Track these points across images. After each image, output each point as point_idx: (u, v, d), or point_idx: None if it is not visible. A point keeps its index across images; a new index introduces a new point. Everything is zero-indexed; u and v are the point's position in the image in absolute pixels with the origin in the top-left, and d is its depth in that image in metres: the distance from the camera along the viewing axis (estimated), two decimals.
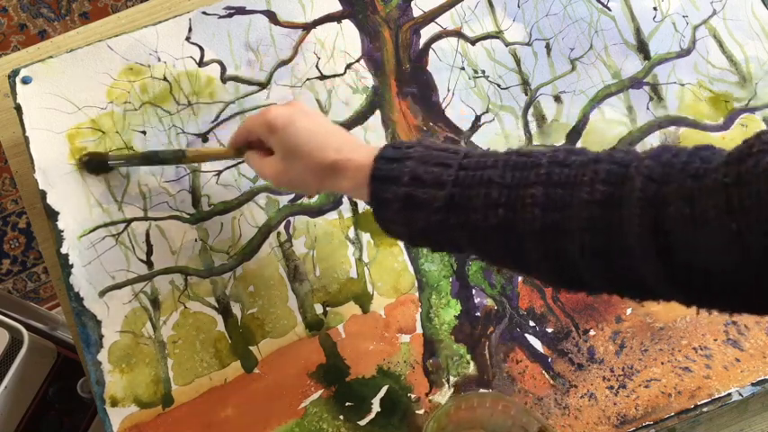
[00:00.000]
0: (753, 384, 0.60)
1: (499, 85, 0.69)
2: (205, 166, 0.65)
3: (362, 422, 0.59)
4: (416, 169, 0.45)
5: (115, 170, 0.65)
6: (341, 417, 0.59)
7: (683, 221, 0.35)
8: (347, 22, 0.71)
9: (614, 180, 0.38)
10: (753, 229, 0.32)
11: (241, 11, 0.70)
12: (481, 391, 0.60)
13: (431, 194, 0.44)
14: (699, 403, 0.59)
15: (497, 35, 0.71)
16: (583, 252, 0.39)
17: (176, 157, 0.63)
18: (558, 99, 0.69)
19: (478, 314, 0.63)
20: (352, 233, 0.65)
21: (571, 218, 0.39)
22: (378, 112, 0.68)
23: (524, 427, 0.55)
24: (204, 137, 0.66)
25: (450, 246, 0.47)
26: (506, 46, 0.71)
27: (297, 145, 0.50)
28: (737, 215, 0.32)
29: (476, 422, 0.57)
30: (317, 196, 0.65)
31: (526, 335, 0.62)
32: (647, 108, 0.69)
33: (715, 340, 0.61)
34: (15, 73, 0.67)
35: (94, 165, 0.64)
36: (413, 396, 0.60)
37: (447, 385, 0.61)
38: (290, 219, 0.65)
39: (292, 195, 0.65)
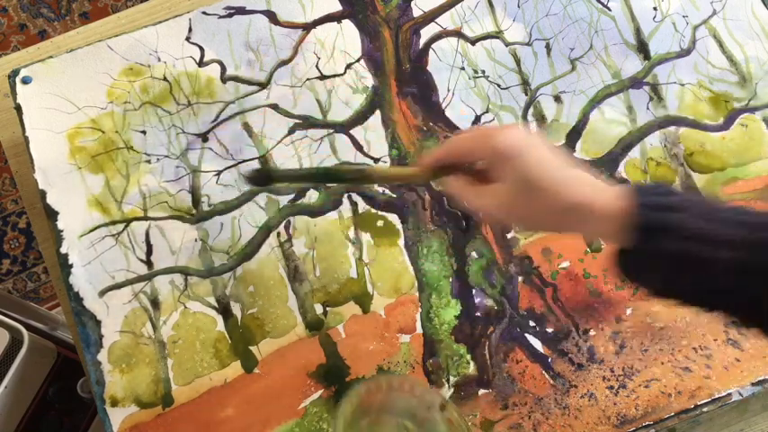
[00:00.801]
0: (753, 384, 0.60)
1: (499, 85, 0.69)
2: (205, 166, 0.65)
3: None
4: (695, 223, 0.40)
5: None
6: None
7: None
8: (347, 22, 0.71)
9: None
10: None
11: (241, 11, 0.70)
12: (386, 374, 0.60)
13: (715, 255, 0.39)
14: (699, 403, 0.59)
15: (497, 35, 0.71)
16: None
17: (359, 177, 0.55)
18: (558, 99, 0.69)
19: (478, 314, 0.63)
20: (352, 233, 0.65)
21: None
22: (378, 112, 0.68)
23: (427, 404, 0.55)
24: (204, 137, 0.66)
25: (720, 309, 0.42)
26: (506, 46, 0.71)
27: (538, 179, 0.44)
28: None
29: (384, 407, 0.57)
30: (317, 196, 0.65)
31: (526, 335, 0.62)
32: (647, 108, 0.69)
33: (715, 340, 0.61)
34: (15, 73, 0.67)
35: (258, 180, 0.55)
36: None
37: (447, 385, 0.61)
38: (290, 219, 0.65)
39: (292, 195, 0.65)
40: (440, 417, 0.55)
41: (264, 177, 0.54)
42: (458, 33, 0.71)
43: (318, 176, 0.58)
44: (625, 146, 0.68)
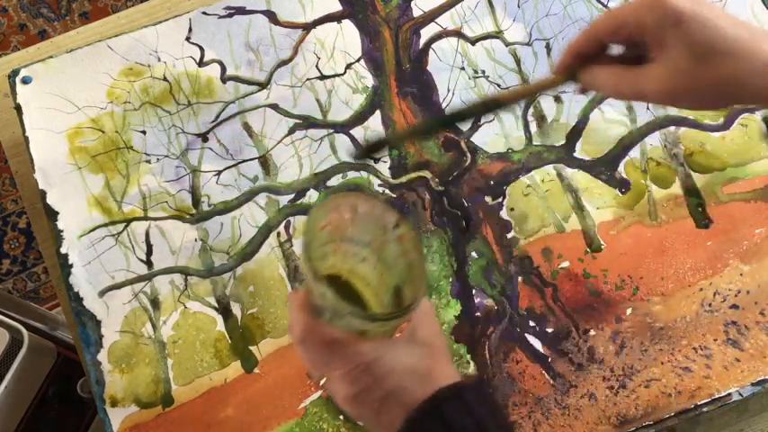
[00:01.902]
0: (753, 384, 0.60)
1: (499, 85, 0.69)
2: (205, 166, 0.65)
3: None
4: None
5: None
6: (341, 417, 0.59)
7: None
8: (347, 22, 0.71)
9: None
10: None
11: (241, 11, 0.70)
12: (345, 193, 0.57)
13: None
14: (699, 403, 0.59)
15: (497, 35, 0.71)
16: None
17: (488, 106, 0.48)
18: (558, 99, 0.69)
19: (478, 314, 0.63)
20: None
21: None
22: (378, 112, 0.68)
23: (384, 226, 0.52)
24: (204, 137, 0.66)
25: None
26: (506, 46, 0.71)
27: (718, 40, 0.38)
28: None
29: (347, 232, 0.53)
30: (317, 196, 0.65)
31: (526, 335, 0.62)
32: (647, 108, 0.69)
33: (715, 340, 0.61)
34: (15, 73, 0.67)
35: (373, 150, 0.56)
36: None
37: None
38: (290, 219, 0.65)
39: (292, 195, 0.65)
40: (392, 236, 0.52)
41: (381, 146, 0.55)
42: (458, 33, 0.71)
43: (437, 125, 0.58)
44: (625, 146, 0.68)
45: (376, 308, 0.54)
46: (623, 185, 0.67)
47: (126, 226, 0.64)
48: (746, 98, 0.41)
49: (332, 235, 0.55)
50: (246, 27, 0.70)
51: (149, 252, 0.63)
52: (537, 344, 0.62)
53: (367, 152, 0.56)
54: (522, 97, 0.55)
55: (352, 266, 0.56)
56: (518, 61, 0.70)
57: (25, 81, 0.67)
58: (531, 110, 0.69)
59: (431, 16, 0.71)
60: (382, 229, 0.54)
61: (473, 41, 0.71)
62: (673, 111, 0.69)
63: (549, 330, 0.62)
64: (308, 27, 0.70)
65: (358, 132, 0.67)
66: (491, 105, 0.48)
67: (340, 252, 0.56)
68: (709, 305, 0.62)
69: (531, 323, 0.62)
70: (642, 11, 0.40)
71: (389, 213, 0.53)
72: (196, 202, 0.65)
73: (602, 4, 0.72)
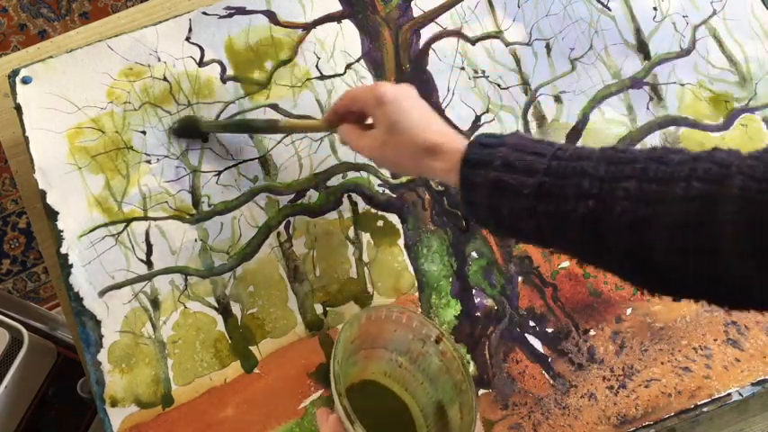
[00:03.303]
0: (753, 384, 0.60)
1: (499, 85, 0.69)
2: (205, 166, 0.65)
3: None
4: (509, 155, 0.45)
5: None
6: None
7: None
8: (347, 22, 0.71)
9: (713, 178, 0.37)
10: None
11: (241, 11, 0.70)
12: (388, 304, 0.61)
13: (520, 181, 0.44)
14: (699, 403, 0.59)
15: (497, 35, 0.71)
16: (671, 249, 0.38)
17: (270, 126, 0.63)
18: (558, 99, 0.69)
19: (478, 314, 0.63)
20: (352, 233, 0.65)
21: (662, 214, 0.38)
22: None
23: (423, 338, 0.56)
24: (204, 137, 0.66)
25: (534, 235, 0.46)
26: (506, 46, 0.71)
27: (401, 121, 0.51)
28: None
29: (380, 340, 0.57)
30: (317, 196, 0.65)
31: (526, 335, 0.62)
32: (647, 108, 0.69)
33: (715, 340, 0.61)
34: (15, 73, 0.67)
35: (184, 130, 0.66)
36: None
37: None
38: (290, 219, 0.65)
39: (292, 195, 0.65)
40: (434, 350, 0.55)
41: (191, 128, 0.65)
42: (458, 33, 0.71)
43: (233, 126, 0.66)
44: (625, 144, 0.68)
45: (414, 412, 0.57)
46: None
47: (126, 226, 0.64)
48: (423, 173, 0.54)
49: (363, 344, 0.56)
50: (246, 27, 0.70)
51: (149, 252, 0.63)
52: (537, 344, 0.62)
53: (176, 132, 0.65)
54: (294, 131, 0.65)
55: (388, 370, 0.57)
56: (518, 61, 0.70)
57: (25, 81, 0.67)
58: (531, 109, 0.69)
59: (431, 16, 0.71)
60: (421, 341, 0.55)
61: (473, 41, 0.71)
62: (673, 111, 0.69)
63: (549, 330, 0.62)
64: (307, 27, 0.70)
65: None
66: (268, 128, 0.63)
67: (374, 358, 0.57)
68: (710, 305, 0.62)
69: (531, 323, 0.62)
70: (365, 93, 0.54)
71: (429, 327, 0.55)
72: (196, 202, 0.65)
73: (602, 3, 0.72)
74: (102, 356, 0.60)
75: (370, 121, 0.56)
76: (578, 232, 0.42)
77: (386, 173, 0.67)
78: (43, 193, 0.64)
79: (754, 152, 0.38)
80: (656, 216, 0.38)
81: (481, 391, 0.60)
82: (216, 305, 0.62)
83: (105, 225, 0.63)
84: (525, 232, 0.47)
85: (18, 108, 0.66)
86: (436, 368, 0.56)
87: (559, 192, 0.42)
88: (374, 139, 0.54)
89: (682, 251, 0.38)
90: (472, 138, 0.49)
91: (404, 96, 0.53)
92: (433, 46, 0.71)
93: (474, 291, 0.63)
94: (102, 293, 0.62)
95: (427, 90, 0.69)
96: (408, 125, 0.51)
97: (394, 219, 0.65)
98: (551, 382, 0.61)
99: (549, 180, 0.43)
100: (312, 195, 0.65)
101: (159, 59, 0.69)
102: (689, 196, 0.37)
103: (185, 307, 0.62)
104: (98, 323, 0.61)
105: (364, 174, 0.66)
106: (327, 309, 0.63)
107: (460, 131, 0.55)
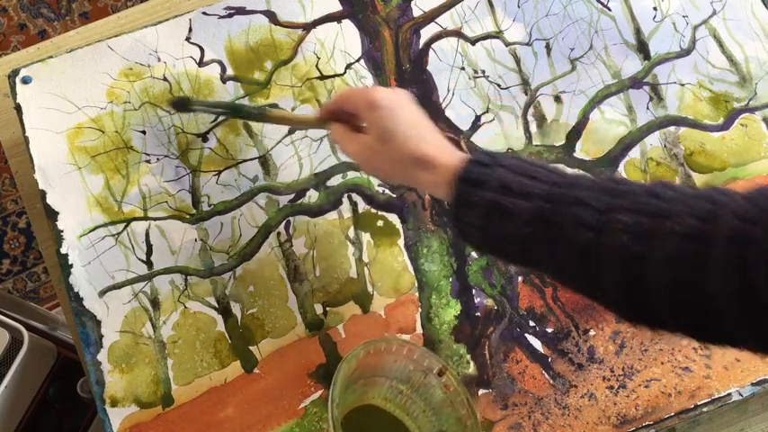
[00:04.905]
0: (753, 384, 0.60)
1: (499, 85, 0.69)
2: (205, 166, 0.65)
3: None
4: (506, 177, 0.44)
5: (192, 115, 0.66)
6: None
7: (765, 262, 0.34)
8: (347, 22, 0.71)
9: (706, 216, 0.38)
10: None
11: (241, 11, 0.70)
12: (386, 335, 0.60)
13: (519, 205, 0.43)
14: (699, 403, 0.59)
15: (497, 35, 0.71)
16: (661, 285, 0.39)
17: (259, 114, 0.62)
18: (558, 99, 0.69)
19: (478, 314, 0.63)
20: (352, 233, 0.65)
21: (656, 248, 0.39)
22: None
23: (425, 370, 0.56)
24: (204, 137, 0.66)
25: (524, 260, 0.46)
26: (506, 46, 0.71)
27: (395, 129, 0.50)
28: None
29: (380, 369, 0.57)
30: (317, 196, 0.65)
31: (526, 335, 0.62)
32: (647, 108, 0.69)
33: None
34: (15, 73, 0.67)
35: (179, 105, 0.65)
36: None
37: None
38: (290, 219, 0.65)
39: (292, 195, 0.65)
40: (436, 382, 0.55)
41: (184, 104, 0.64)
42: (458, 33, 0.71)
43: (223, 107, 0.65)
44: (625, 146, 0.68)
45: None
46: None
47: (126, 226, 0.64)
48: (410, 183, 0.55)
49: (362, 375, 0.56)
50: (246, 27, 0.70)
51: (149, 252, 0.63)
52: (537, 344, 0.62)
53: (176, 105, 0.65)
54: (283, 123, 0.65)
55: (388, 396, 0.58)
56: (518, 61, 0.70)
57: (25, 81, 0.67)
58: (531, 109, 0.69)
59: (431, 16, 0.71)
60: (422, 373, 0.56)
61: (473, 41, 0.71)
62: (673, 111, 0.69)
63: (549, 330, 0.62)
64: (307, 27, 0.70)
65: None
66: (258, 115, 0.62)
67: (375, 385, 0.57)
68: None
69: (531, 323, 0.62)
70: (360, 96, 0.53)
71: (431, 359, 0.55)
72: (196, 202, 0.65)
73: (602, 3, 0.72)
74: (102, 356, 0.60)
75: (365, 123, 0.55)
76: (573, 263, 0.42)
77: None
78: (43, 193, 0.64)
79: (749, 193, 0.39)
80: (651, 251, 0.39)
81: (481, 391, 0.60)
82: (216, 305, 0.62)
83: (105, 225, 0.63)
84: (514, 255, 0.47)
85: (18, 108, 0.66)
86: (439, 399, 0.56)
87: (556, 220, 0.42)
88: (365, 144, 0.53)
89: (673, 287, 0.38)
90: (469, 155, 0.48)
91: (398, 104, 0.51)
92: (433, 46, 0.71)
93: (474, 291, 0.63)
94: (102, 293, 0.62)
95: (427, 90, 0.69)
96: (401, 134, 0.50)
97: (394, 219, 0.65)
98: (551, 382, 0.61)
99: (549, 207, 0.43)
100: (312, 195, 0.65)
101: (159, 59, 0.69)
102: (682, 233, 0.38)
103: (185, 307, 0.62)
104: (98, 323, 0.61)
105: (364, 174, 0.66)
106: (327, 309, 0.63)
107: (456, 142, 0.56)
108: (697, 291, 0.37)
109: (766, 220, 0.36)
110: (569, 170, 0.46)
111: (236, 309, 0.62)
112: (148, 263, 0.63)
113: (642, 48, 0.71)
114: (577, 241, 0.41)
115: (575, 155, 0.67)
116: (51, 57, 0.68)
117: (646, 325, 0.42)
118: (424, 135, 0.50)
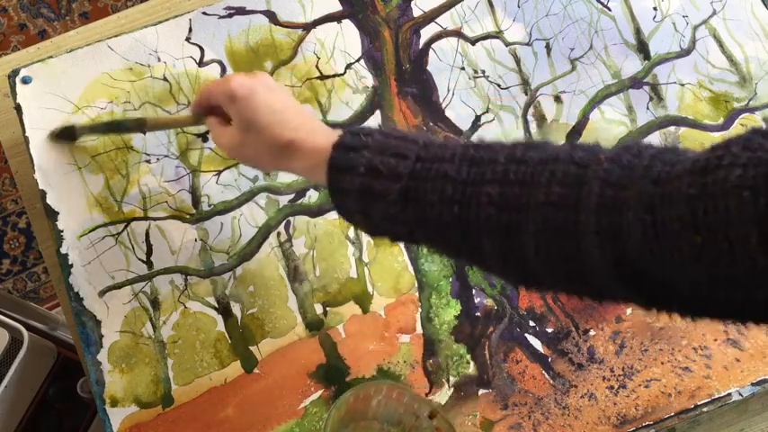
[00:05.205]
0: (753, 384, 0.60)
1: (499, 85, 0.69)
2: (205, 166, 0.65)
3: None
4: (373, 160, 0.44)
5: (82, 138, 0.65)
6: None
7: (642, 229, 0.34)
8: (347, 22, 0.71)
9: (571, 182, 0.37)
10: (719, 244, 0.31)
11: (241, 11, 0.70)
12: (377, 381, 0.60)
13: (386, 186, 0.43)
14: (699, 403, 0.59)
15: (497, 35, 0.71)
16: (538, 253, 0.38)
17: (138, 125, 0.62)
18: (558, 99, 0.69)
19: (478, 314, 0.63)
20: (352, 233, 0.65)
21: (527, 219, 0.38)
22: (378, 112, 0.68)
23: (415, 413, 0.56)
24: (204, 137, 0.66)
25: (407, 238, 0.46)
26: (506, 46, 0.71)
27: (255, 119, 0.49)
28: (702, 229, 0.31)
29: (370, 413, 0.57)
30: (317, 196, 0.65)
31: (526, 335, 0.62)
32: (647, 108, 0.69)
33: (715, 340, 0.61)
34: (15, 73, 0.67)
35: (64, 135, 0.64)
36: None
37: (447, 385, 0.61)
38: (290, 219, 0.65)
39: (292, 195, 0.65)
40: (428, 425, 0.55)
41: (67, 132, 0.64)
42: (458, 33, 0.71)
43: (103, 127, 0.64)
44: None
45: None
46: None
47: (126, 226, 0.64)
48: (285, 171, 0.54)
49: (352, 420, 0.56)
50: (246, 27, 0.70)
51: (149, 252, 0.63)
52: (537, 344, 0.62)
53: (56, 136, 0.64)
54: (162, 128, 0.65)
55: None
56: (518, 61, 0.70)
57: (25, 81, 0.67)
58: (531, 109, 0.69)
59: (431, 16, 0.71)
60: (413, 416, 0.55)
61: (473, 41, 0.71)
62: (673, 111, 0.69)
63: (549, 330, 0.62)
64: (308, 27, 0.70)
65: None
66: (136, 126, 0.62)
67: (367, 429, 0.57)
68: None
69: (531, 323, 0.62)
70: (217, 87, 0.52)
71: (422, 403, 0.55)
72: (196, 202, 0.65)
73: (602, 3, 0.72)
74: (102, 356, 0.60)
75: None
76: (448, 237, 0.42)
77: None
78: (43, 193, 0.64)
79: (612, 151, 0.38)
80: (521, 222, 0.38)
81: (481, 391, 0.60)
82: (216, 305, 0.62)
83: (105, 225, 0.63)
84: (400, 236, 0.46)
85: (18, 108, 0.66)
86: None
87: (423, 197, 0.42)
88: (232, 136, 0.51)
89: (549, 255, 0.38)
90: (337, 138, 0.46)
91: (257, 90, 0.50)
92: (433, 46, 0.71)
93: (474, 291, 0.63)
94: (102, 293, 0.62)
95: (427, 90, 0.69)
96: (263, 122, 0.49)
97: None
98: (551, 382, 0.61)
99: (413, 184, 0.42)
100: (312, 195, 0.65)
101: (159, 59, 0.69)
102: (550, 202, 0.37)
103: (185, 307, 0.62)
104: (98, 323, 0.61)
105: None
106: (327, 309, 0.63)
107: (328, 124, 0.56)
108: (574, 259, 0.37)
109: (634, 185, 0.35)
110: (432, 137, 0.45)
111: (236, 309, 0.62)
112: (148, 263, 0.63)
113: (642, 48, 0.71)
114: (448, 218, 0.41)
115: None
116: (51, 57, 0.68)
117: (529, 288, 0.42)
118: (286, 119, 0.49)
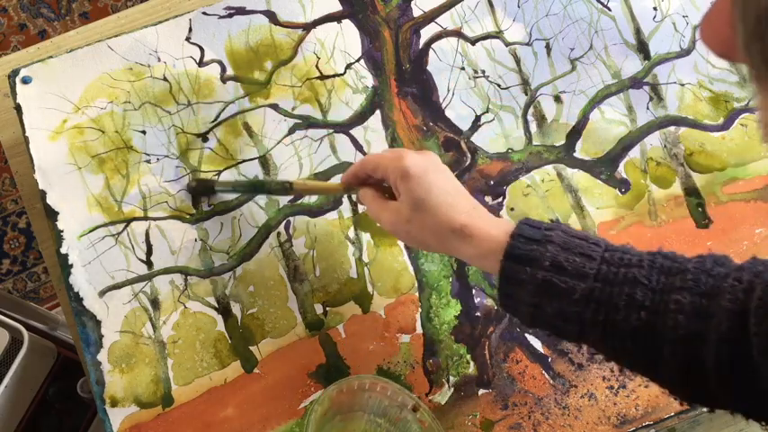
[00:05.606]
0: None
1: (499, 85, 0.69)
2: (205, 166, 0.65)
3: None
4: (558, 256, 0.43)
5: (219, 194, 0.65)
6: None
7: None
8: (347, 22, 0.71)
9: (749, 289, 0.39)
10: None
11: (241, 11, 0.70)
12: (359, 375, 0.60)
13: (570, 285, 0.43)
14: None
15: (497, 35, 0.71)
16: (719, 365, 0.38)
17: (283, 189, 0.61)
18: (558, 99, 0.69)
19: (478, 314, 0.63)
20: (352, 233, 0.65)
21: (713, 328, 0.39)
22: (378, 112, 0.68)
23: (399, 406, 0.56)
24: (204, 137, 0.66)
25: (574, 336, 0.45)
26: (506, 46, 0.71)
27: (428, 199, 0.49)
28: None
29: (356, 405, 0.57)
30: (316, 196, 0.65)
31: (526, 335, 0.62)
32: (647, 108, 0.69)
33: None
34: (15, 73, 0.67)
35: (201, 189, 0.64)
36: None
37: (447, 385, 0.61)
38: (290, 219, 0.65)
39: (292, 195, 0.65)
40: (412, 417, 0.56)
41: (206, 187, 0.63)
42: (458, 33, 0.71)
43: (246, 186, 0.64)
44: (625, 146, 0.68)
45: None
46: (623, 185, 0.67)
47: (126, 226, 0.64)
48: (451, 254, 0.52)
49: (338, 412, 0.56)
50: (246, 27, 0.70)
51: (149, 252, 0.63)
52: (537, 344, 0.62)
53: (194, 189, 0.64)
54: (308, 194, 0.64)
55: (369, 431, 0.58)
56: (518, 61, 0.70)
57: (25, 81, 0.67)
58: (531, 109, 0.69)
59: (431, 16, 0.71)
60: (398, 408, 0.56)
61: (473, 41, 0.71)
62: (673, 111, 0.69)
63: None
64: (308, 27, 0.70)
65: (358, 132, 0.67)
66: (281, 190, 0.61)
67: (354, 420, 0.58)
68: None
69: None
70: (389, 162, 0.51)
71: (405, 396, 0.56)
72: (196, 202, 0.65)
73: (602, 3, 0.72)
74: (102, 356, 0.60)
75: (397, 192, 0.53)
76: (628, 343, 0.42)
77: None
78: (43, 193, 0.64)
79: None
80: (707, 331, 0.39)
81: (481, 391, 0.60)
82: (216, 305, 0.62)
83: (105, 225, 0.63)
84: (568, 334, 0.46)
85: (18, 108, 0.66)
86: None
87: (610, 300, 0.42)
88: (398, 213, 0.51)
89: (729, 367, 0.38)
90: (515, 227, 0.46)
91: (429, 170, 0.50)
92: (433, 46, 0.71)
93: (474, 291, 0.63)
94: (102, 293, 0.62)
95: (427, 90, 0.69)
96: (435, 203, 0.49)
97: None
98: (551, 382, 0.61)
99: (600, 287, 0.42)
100: (312, 195, 0.65)
101: (159, 59, 0.69)
102: (734, 310, 0.38)
103: (185, 307, 0.62)
104: (98, 323, 0.61)
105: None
106: (327, 309, 0.63)
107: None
108: (751, 370, 0.37)
109: None
110: (609, 241, 0.46)
111: (236, 309, 0.62)
112: (148, 263, 0.63)
113: (642, 48, 0.71)
114: (634, 323, 0.41)
115: (575, 155, 0.67)
116: (51, 57, 0.68)
117: (700, 403, 0.42)
118: (458, 203, 0.49)
